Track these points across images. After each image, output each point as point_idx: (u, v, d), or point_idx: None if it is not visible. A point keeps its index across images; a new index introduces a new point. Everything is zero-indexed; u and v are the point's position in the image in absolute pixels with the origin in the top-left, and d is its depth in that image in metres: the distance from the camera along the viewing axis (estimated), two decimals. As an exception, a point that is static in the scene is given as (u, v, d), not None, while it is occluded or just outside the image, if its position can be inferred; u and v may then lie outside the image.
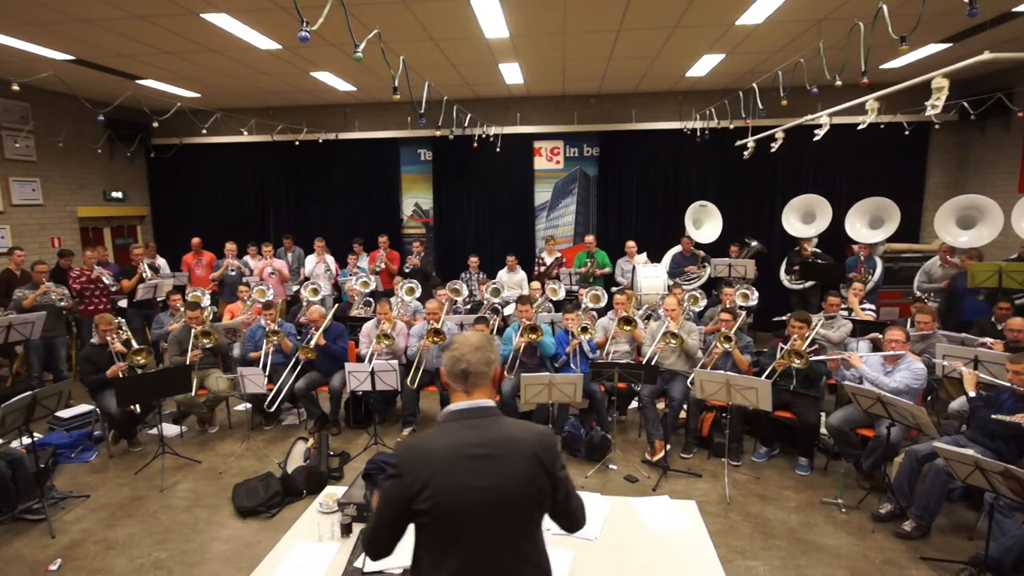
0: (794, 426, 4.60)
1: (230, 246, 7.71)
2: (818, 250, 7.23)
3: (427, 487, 1.46)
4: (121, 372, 4.86)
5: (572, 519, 1.66)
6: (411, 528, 1.56)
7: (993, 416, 3.56)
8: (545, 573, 1.62)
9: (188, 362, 5.15)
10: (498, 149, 8.75)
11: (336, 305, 6.52)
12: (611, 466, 4.63)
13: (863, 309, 5.90)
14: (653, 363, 4.90)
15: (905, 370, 4.13)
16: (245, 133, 9.01)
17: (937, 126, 8.00)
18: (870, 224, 7.19)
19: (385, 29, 4.62)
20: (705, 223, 8.08)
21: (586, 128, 9.02)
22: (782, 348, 4.68)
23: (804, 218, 7.60)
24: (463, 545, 1.50)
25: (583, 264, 7.62)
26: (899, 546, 3.56)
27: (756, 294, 6.65)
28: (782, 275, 7.55)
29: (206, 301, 6.62)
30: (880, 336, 4.81)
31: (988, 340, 4.69)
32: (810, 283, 7.22)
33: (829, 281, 6.94)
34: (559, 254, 8.19)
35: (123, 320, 5.36)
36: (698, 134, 8.23)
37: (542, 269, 7.87)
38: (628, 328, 5.22)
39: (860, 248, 6.89)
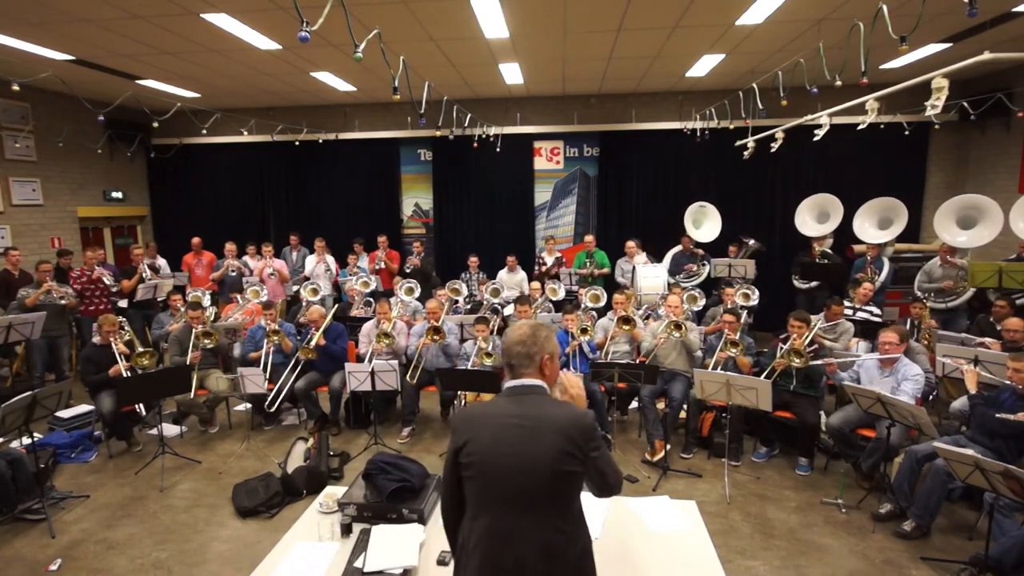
0: (794, 426, 4.60)
1: (230, 246, 7.71)
2: (829, 250, 7.20)
3: (467, 444, 1.69)
4: (124, 371, 4.86)
5: (606, 488, 1.77)
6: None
7: (996, 415, 3.56)
8: (576, 544, 1.69)
9: (188, 363, 5.15)
10: (498, 149, 8.75)
11: (336, 305, 6.52)
12: (611, 466, 4.62)
13: (867, 311, 5.89)
14: (652, 362, 4.90)
15: (909, 380, 4.13)
16: (245, 133, 9.01)
17: (937, 126, 7.99)
18: (879, 225, 7.15)
19: (385, 29, 4.61)
20: (704, 223, 8.08)
21: (586, 128, 9.02)
22: (782, 348, 4.68)
23: (819, 217, 7.55)
24: (492, 503, 1.68)
25: (582, 265, 7.62)
26: (899, 546, 3.56)
27: (756, 294, 6.65)
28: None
29: (206, 301, 6.63)
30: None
31: (987, 340, 4.69)
32: (816, 283, 7.21)
33: (832, 281, 6.93)
34: (559, 254, 8.19)
35: (125, 320, 5.36)
36: (698, 134, 8.22)
37: (543, 269, 7.87)
38: (627, 327, 5.22)
39: (868, 248, 6.87)
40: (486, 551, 1.65)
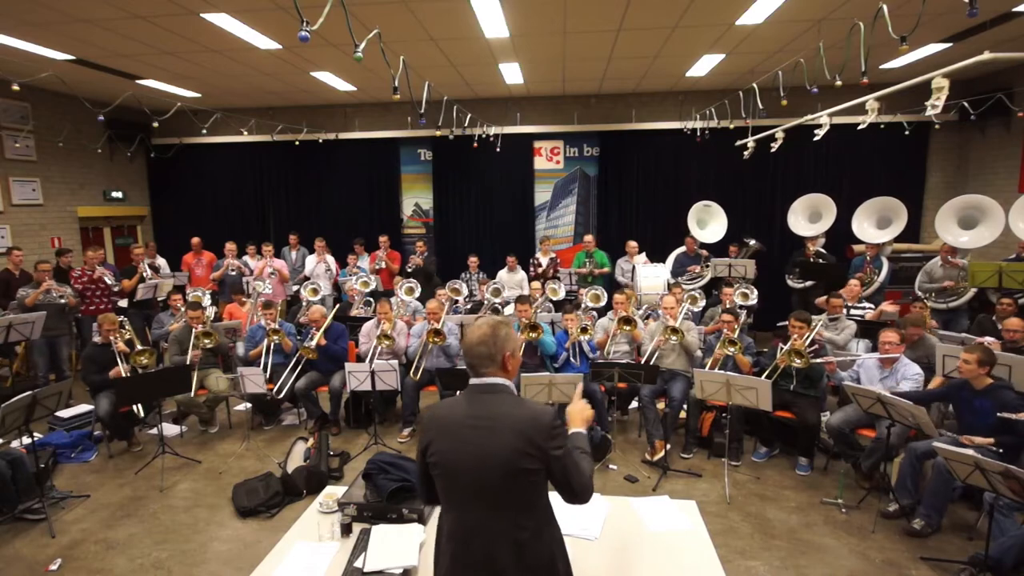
0: (794, 426, 4.60)
1: (230, 246, 7.71)
2: (822, 250, 7.21)
3: (431, 444, 1.75)
4: (124, 373, 4.86)
5: (570, 493, 1.73)
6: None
7: (999, 415, 3.55)
8: (541, 539, 1.70)
9: (188, 362, 5.15)
10: (498, 149, 8.75)
11: (337, 306, 6.51)
12: (611, 466, 4.63)
13: (862, 308, 5.89)
14: (652, 362, 4.90)
15: (908, 380, 4.14)
16: (245, 133, 9.01)
17: (937, 126, 8.00)
18: (878, 224, 7.15)
19: (385, 29, 4.61)
20: (710, 223, 8.04)
21: (586, 128, 9.02)
22: (782, 348, 4.68)
23: (811, 217, 7.56)
24: (457, 499, 1.73)
25: (581, 264, 7.62)
26: (899, 546, 3.56)
27: (755, 293, 6.64)
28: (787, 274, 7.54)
29: (206, 301, 6.63)
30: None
31: (986, 339, 4.68)
32: (810, 283, 7.21)
33: (829, 281, 6.92)
34: (554, 255, 8.18)
35: (125, 319, 5.36)
36: (698, 134, 8.23)
37: (538, 270, 7.86)
38: (627, 328, 5.22)
39: (868, 248, 6.87)
40: (455, 547, 1.71)
